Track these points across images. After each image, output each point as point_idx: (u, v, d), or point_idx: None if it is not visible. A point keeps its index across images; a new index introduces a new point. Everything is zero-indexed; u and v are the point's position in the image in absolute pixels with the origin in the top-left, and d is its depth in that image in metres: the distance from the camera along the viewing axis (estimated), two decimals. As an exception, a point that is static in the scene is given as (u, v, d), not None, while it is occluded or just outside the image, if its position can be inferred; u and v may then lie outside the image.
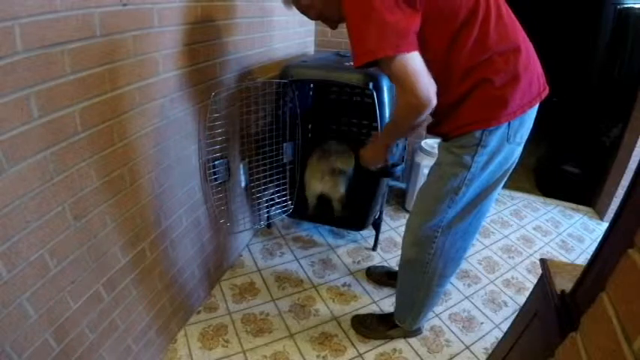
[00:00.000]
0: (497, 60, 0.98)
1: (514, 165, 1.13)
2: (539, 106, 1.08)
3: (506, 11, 1.02)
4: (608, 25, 2.47)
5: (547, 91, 1.08)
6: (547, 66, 1.11)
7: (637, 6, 2.35)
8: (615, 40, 2.47)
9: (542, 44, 1.06)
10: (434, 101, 0.94)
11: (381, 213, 1.95)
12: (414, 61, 0.90)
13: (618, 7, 2.41)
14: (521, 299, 1.72)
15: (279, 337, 1.49)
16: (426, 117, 1.00)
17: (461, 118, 1.04)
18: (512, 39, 0.99)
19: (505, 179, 1.15)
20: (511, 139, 1.05)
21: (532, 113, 1.07)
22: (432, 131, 1.17)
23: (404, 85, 0.92)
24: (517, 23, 1.03)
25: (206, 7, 1.24)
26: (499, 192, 1.19)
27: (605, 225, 2.38)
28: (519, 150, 1.11)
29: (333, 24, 1.12)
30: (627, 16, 2.39)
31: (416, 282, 1.32)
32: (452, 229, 1.18)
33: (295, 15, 2.02)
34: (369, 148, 1.28)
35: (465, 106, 1.03)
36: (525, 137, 1.10)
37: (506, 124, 1.02)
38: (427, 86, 0.92)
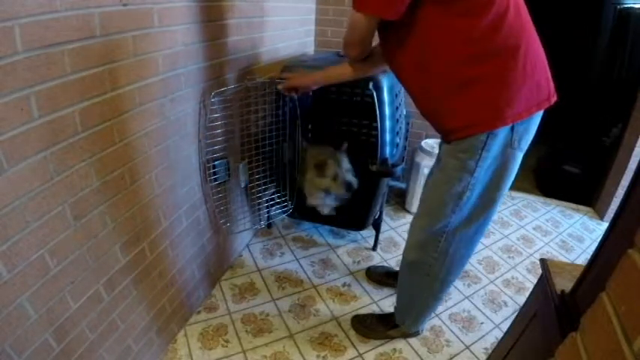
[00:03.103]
0: (505, 56, 0.96)
1: (515, 172, 1.12)
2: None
3: (525, 13, 1.00)
4: (608, 25, 2.47)
5: (555, 97, 1.06)
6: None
7: (637, 6, 2.35)
8: (615, 40, 2.46)
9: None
10: (354, 58, 1.21)
11: (381, 213, 1.95)
12: (371, 27, 1.04)
13: (618, 7, 2.41)
14: (521, 299, 1.72)
15: (279, 337, 1.49)
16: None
17: (462, 117, 1.03)
18: (523, 39, 0.98)
19: (508, 185, 1.13)
20: (515, 145, 1.04)
21: (537, 119, 1.06)
22: (428, 119, 1.13)
23: (352, 36, 1.10)
24: (531, 26, 1.01)
25: (206, 7, 1.24)
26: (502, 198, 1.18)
27: (605, 225, 2.38)
28: (520, 157, 1.10)
29: None
30: (627, 16, 2.39)
31: (418, 285, 1.32)
32: (457, 236, 1.18)
33: (295, 15, 2.03)
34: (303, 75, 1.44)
35: (465, 102, 1.01)
36: (528, 144, 1.08)
37: (510, 128, 1.01)
38: (361, 50, 1.14)
